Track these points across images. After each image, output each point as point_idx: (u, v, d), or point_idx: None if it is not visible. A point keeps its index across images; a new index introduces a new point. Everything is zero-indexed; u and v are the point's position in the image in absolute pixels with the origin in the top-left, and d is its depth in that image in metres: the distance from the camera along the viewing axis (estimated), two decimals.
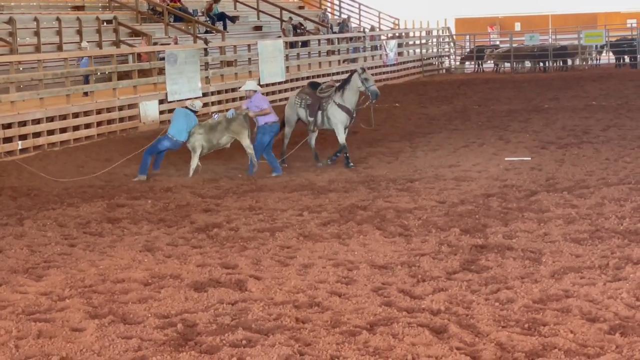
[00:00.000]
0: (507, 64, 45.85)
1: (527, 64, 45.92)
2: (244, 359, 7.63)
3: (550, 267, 10.20)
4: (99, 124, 23.40)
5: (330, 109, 18.09)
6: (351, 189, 15.50)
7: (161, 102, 25.65)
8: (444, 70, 48.07)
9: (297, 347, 7.81)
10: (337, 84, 18.53)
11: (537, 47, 45.44)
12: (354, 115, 18.17)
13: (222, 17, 36.93)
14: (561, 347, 7.68)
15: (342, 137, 18.04)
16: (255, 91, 17.89)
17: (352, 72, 18.35)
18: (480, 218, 12.87)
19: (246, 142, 17.30)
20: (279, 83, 32.09)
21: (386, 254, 11.07)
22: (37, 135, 21.31)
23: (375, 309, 8.88)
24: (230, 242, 11.95)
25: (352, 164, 17.95)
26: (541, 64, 45.15)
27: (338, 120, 18.04)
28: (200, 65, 27.73)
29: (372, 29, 45.98)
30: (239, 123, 17.37)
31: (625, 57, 45.05)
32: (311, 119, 18.33)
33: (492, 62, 47.09)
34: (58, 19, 28.64)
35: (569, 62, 45.16)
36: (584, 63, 44.77)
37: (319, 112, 18.19)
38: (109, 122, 23.77)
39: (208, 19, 36.68)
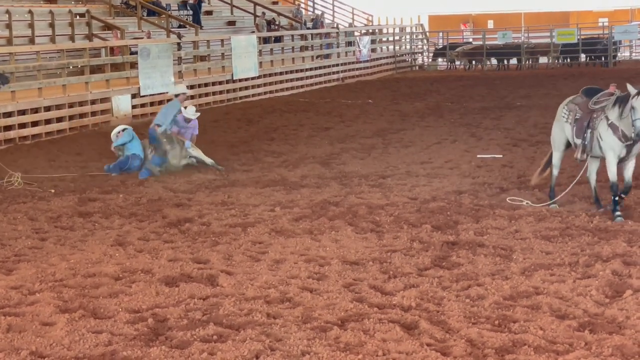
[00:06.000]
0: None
1: (494, 61, 46.14)
2: (215, 354, 7.63)
3: (520, 264, 10.26)
4: (71, 117, 23.27)
5: (601, 128, 12.45)
6: (323, 185, 15.50)
7: (134, 96, 25.58)
8: (417, 67, 48.13)
9: (268, 342, 7.82)
10: (619, 94, 12.52)
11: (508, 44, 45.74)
12: (634, 143, 12.23)
13: (198, 6, 36.81)
14: (531, 343, 7.74)
15: (612, 170, 12.44)
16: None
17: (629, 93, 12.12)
18: (452, 215, 12.91)
19: (209, 161, 17.18)
20: (252, 78, 32.06)
21: (358, 250, 11.09)
22: (8, 128, 21.17)
23: (346, 304, 8.90)
24: (202, 237, 11.93)
25: (619, 214, 12.33)
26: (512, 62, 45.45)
27: (608, 146, 12.38)
28: (173, 60, 27.66)
29: (350, 26, 46.02)
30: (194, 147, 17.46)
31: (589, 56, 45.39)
32: (577, 141, 12.87)
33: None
34: (30, 12, 28.45)
35: (540, 60, 45.45)
36: (556, 61, 44.95)
37: (588, 131, 12.64)
38: (81, 115, 23.66)
39: (188, 7, 36.58)
